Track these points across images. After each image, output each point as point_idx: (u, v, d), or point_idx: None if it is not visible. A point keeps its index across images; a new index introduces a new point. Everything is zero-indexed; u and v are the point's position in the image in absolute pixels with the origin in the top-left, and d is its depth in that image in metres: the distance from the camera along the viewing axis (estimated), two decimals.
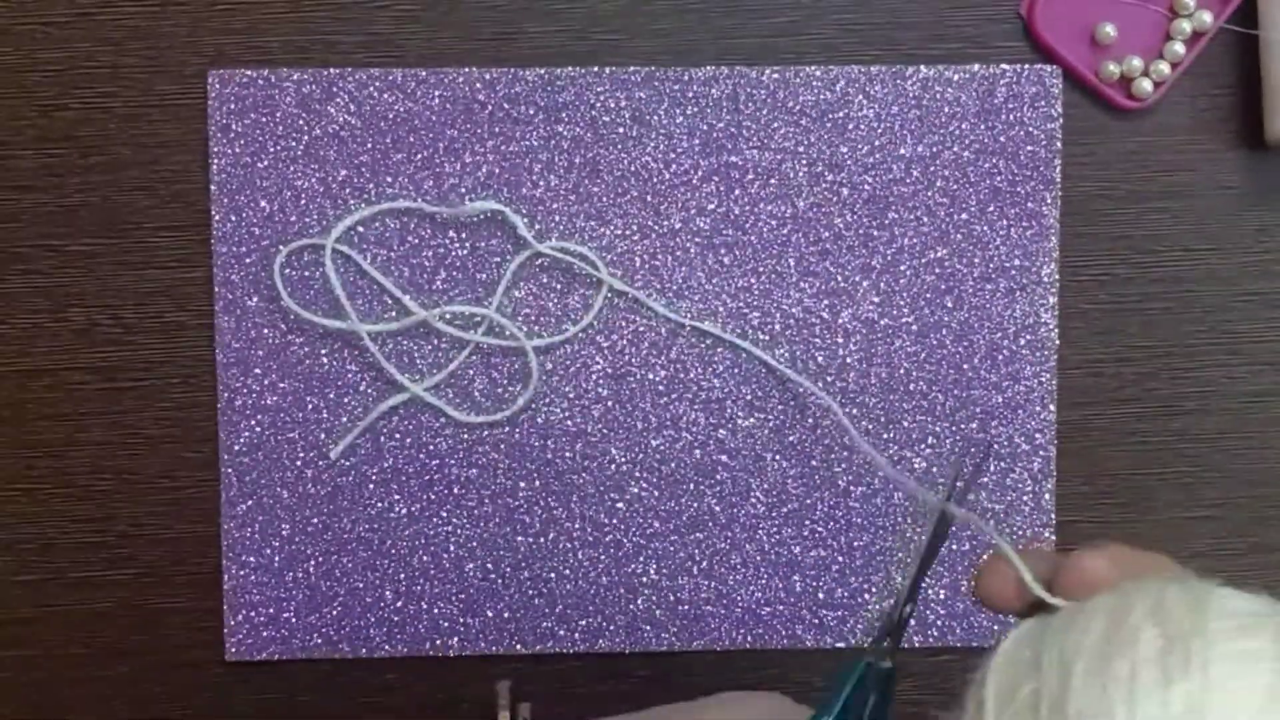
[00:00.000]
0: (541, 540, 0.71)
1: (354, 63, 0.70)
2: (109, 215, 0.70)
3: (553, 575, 0.71)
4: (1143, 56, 0.71)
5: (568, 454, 0.71)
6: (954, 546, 0.71)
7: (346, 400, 0.70)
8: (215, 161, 0.70)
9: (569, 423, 0.71)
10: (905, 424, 0.71)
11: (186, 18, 0.70)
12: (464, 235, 0.70)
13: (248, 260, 0.70)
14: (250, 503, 0.70)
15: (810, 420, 0.71)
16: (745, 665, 0.72)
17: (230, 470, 0.70)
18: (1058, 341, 0.72)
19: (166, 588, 0.71)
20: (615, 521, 0.71)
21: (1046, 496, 0.72)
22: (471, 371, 0.71)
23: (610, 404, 0.71)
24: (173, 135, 0.70)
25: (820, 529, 0.72)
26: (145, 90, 0.70)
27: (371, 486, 0.71)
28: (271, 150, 0.70)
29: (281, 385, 0.70)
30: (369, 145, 0.70)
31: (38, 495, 0.71)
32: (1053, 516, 0.72)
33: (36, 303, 0.70)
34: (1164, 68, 0.71)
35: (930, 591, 0.72)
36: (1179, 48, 0.71)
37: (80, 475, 0.71)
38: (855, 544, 0.72)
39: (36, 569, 0.71)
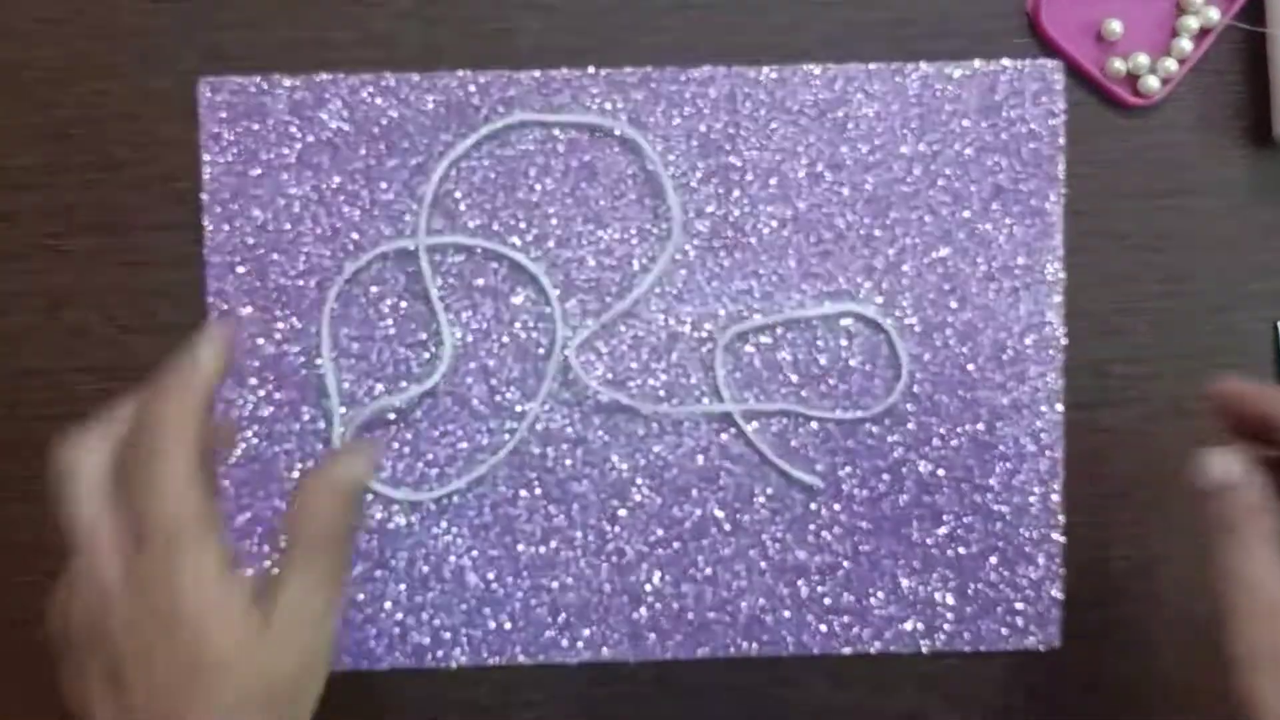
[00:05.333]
0: (543, 549, 0.70)
1: (350, 59, 0.69)
2: (104, 214, 0.70)
3: (555, 584, 0.71)
4: (1150, 53, 0.70)
5: (568, 462, 0.70)
6: (960, 549, 0.71)
7: (343, 411, 0.70)
8: (207, 170, 0.69)
9: (569, 430, 0.70)
10: (910, 425, 0.71)
11: (181, 14, 0.70)
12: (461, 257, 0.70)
13: (241, 270, 0.69)
14: (248, 515, 0.70)
15: (813, 425, 0.70)
16: (750, 672, 0.72)
17: (227, 482, 0.70)
18: (1064, 341, 0.71)
19: None
20: (617, 529, 0.71)
21: (1054, 497, 0.71)
22: (470, 379, 0.70)
23: (611, 410, 0.70)
24: (168, 133, 0.70)
25: (826, 534, 0.71)
26: (140, 88, 0.70)
27: (370, 497, 0.70)
28: (264, 158, 0.69)
29: (277, 396, 0.70)
30: (362, 151, 0.69)
31: (32, 496, 0.70)
32: (1060, 517, 0.71)
33: (31, 302, 0.70)
34: (1171, 64, 0.70)
35: (938, 595, 0.71)
36: (1186, 44, 0.70)
37: None
38: (861, 548, 0.71)
39: (33, 569, 0.71)
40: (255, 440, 0.70)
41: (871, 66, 0.70)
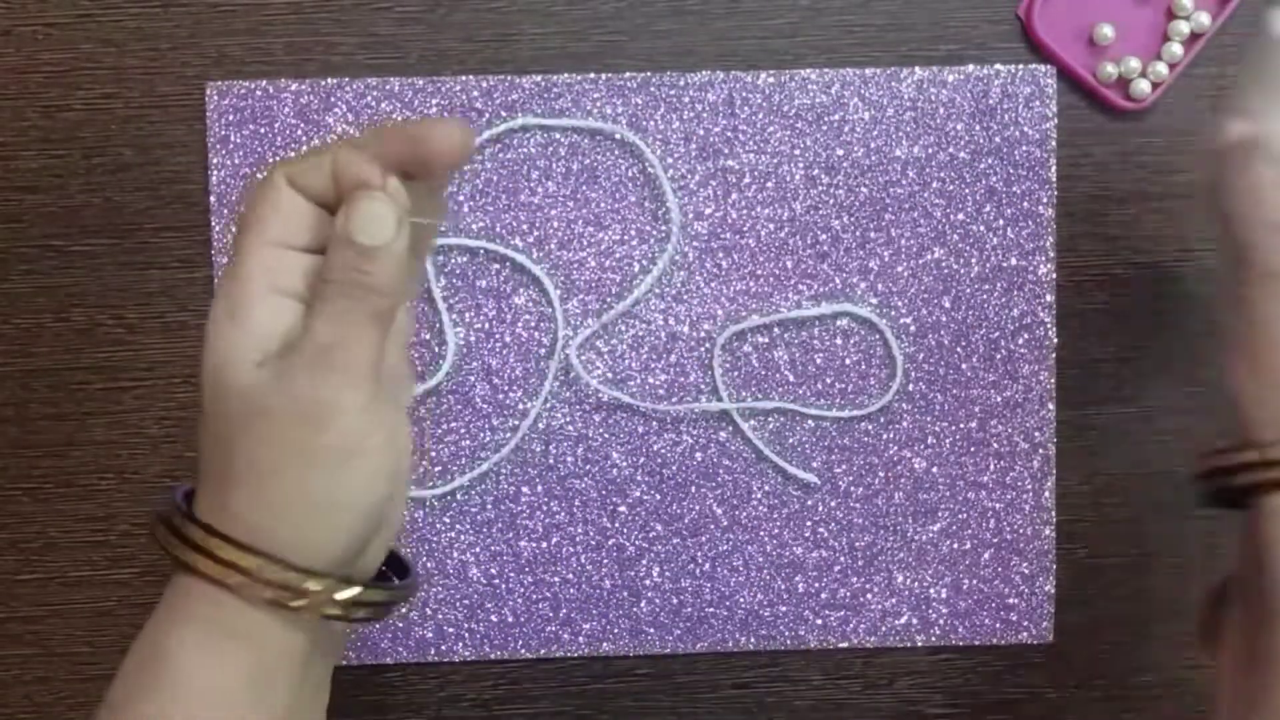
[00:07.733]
0: (544, 545, 0.71)
1: (355, 65, 0.70)
2: (111, 216, 0.71)
3: (556, 579, 0.72)
4: (1140, 58, 0.71)
5: (569, 459, 0.71)
6: (954, 545, 0.72)
7: None
8: (215, 173, 0.70)
9: (570, 428, 0.71)
10: (904, 424, 0.72)
11: (188, 19, 0.70)
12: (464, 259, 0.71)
13: None
14: None
15: (809, 423, 0.71)
16: (748, 666, 0.73)
17: None
18: (1056, 340, 0.72)
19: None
20: (617, 525, 0.72)
21: (1046, 494, 0.72)
22: (472, 378, 0.71)
23: (611, 408, 0.71)
24: (175, 136, 0.70)
25: (822, 530, 0.72)
26: (147, 92, 0.70)
27: None
28: (270, 161, 0.70)
29: None
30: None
31: (40, 495, 0.71)
32: (1053, 514, 0.72)
33: (39, 303, 0.71)
34: (1162, 69, 0.71)
35: (932, 590, 0.72)
36: (1177, 49, 0.70)
37: (82, 475, 0.71)
38: (857, 544, 0.72)
39: (39, 568, 0.72)
40: None
41: (867, 71, 0.71)
